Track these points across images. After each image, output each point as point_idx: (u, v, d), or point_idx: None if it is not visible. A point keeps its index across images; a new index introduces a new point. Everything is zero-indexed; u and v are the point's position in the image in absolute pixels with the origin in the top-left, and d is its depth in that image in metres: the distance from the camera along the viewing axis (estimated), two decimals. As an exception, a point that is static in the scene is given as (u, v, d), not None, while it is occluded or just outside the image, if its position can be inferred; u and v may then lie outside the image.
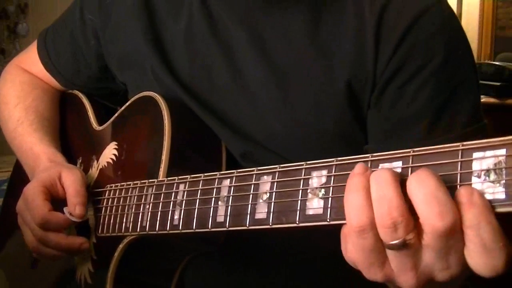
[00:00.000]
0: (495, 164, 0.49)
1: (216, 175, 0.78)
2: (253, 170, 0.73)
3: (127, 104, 1.05)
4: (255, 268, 1.02)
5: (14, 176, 1.28)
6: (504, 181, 0.48)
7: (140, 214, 0.89)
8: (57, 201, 0.99)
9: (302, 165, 0.66)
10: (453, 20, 0.89)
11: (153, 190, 0.89)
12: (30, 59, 1.24)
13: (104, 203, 0.99)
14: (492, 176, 0.49)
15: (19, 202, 1.01)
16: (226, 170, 0.87)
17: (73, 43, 1.15)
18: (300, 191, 0.66)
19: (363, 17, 0.87)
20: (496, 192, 0.49)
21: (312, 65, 0.89)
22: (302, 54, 0.90)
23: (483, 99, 2.54)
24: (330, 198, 0.62)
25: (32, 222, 0.97)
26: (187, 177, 0.83)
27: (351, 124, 0.90)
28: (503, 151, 0.49)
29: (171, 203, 0.84)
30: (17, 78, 1.24)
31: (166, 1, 1.03)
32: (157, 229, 0.85)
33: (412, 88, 0.85)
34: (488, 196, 0.49)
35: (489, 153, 0.50)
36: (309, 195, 0.65)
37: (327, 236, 0.91)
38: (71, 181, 0.98)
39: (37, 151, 1.09)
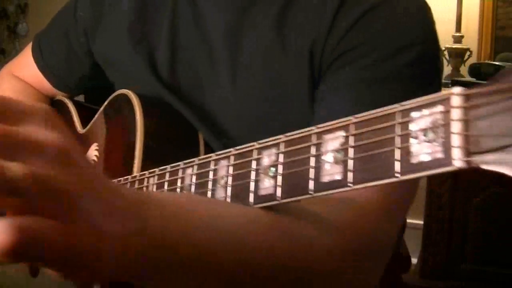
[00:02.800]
0: (432, 122, 0.43)
1: (179, 165, 0.73)
2: (211, 156, 0.69)
3: (105, 103, 1.01)
4: None
5: None
6: (441, 140, 0.43)
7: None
8: None
9: (254, 145, 0.62)
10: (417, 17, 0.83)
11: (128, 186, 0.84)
12: (21, 64, 1.21)
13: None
14: (430, 135, 0.43)
15: None
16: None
17: (65, 42, 1.11)
18: (253, 172, 0.61)
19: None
20: (434, 151, 0.43)
21: (277, 59, 0.85)
22: (268, 49, 0.86)
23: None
24: (279, 176, 0.57)
25: None
26: (155, 171, 0.78)
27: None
28: (440, 108, 0.43)
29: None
30: (9, 87, 1.20)
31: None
32: None
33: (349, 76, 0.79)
34: (427, 157, 0.44)
35: (426, 111, 0.44)
36: (261, 175, 0.60)
37: None
38: None
39: None
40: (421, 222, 1.89)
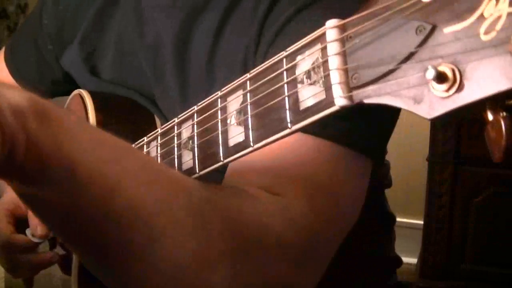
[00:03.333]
0: (313, 62, 0.40)
1: (143, 140, 0.69)
2: (143, 140, 0.66)
3: (65, 105, 0.99)
4: None
5: None
6: (322, 79, 0.39)
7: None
8: (24, 222, 0.92)
9: (174, 121, 0.59)
10: None
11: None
12: None
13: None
14: (313, 77, 0.40)
15: None
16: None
17: (34, 48, 1.08)
18: (176, 147, 0.58)
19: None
20: (317, 93, 0.39)
21: (217, 69, 0.79)
22: (208, 60, 0.80)
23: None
24: (196, 148, 0.54)
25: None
26: None
27: None
28: (318, 45, 0.39)
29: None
30: None
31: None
32: None
33: None
34: (311, 101, 0.40)
35: (307, 52, 0.40)
36: (182, 150, 0.57)
37: None
38: None
39: None
40: (421, 222, 1.83)
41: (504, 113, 0.32)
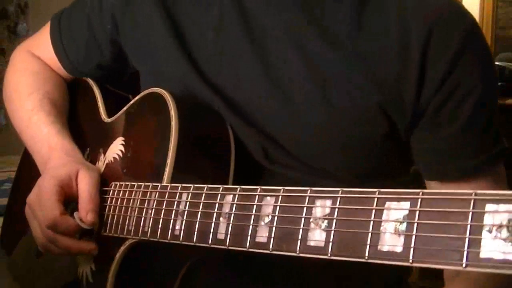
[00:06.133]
0: (509, 220, 0.44)
1: (219, 189, 0.73)
2: (256, 189, 0.68)
3: (137, 98, 0.98)
4: (260, 276, 0.95)
5: (21, 172, 1.25)
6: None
7: (142, 218, 0.84)
8: (70, 199, 0.93)
9: (306, 191, 0.61)
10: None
11: (156, 196, 0.83)
12: (41, 44, 1.15)
13: (109, 202, 0.93)
14: (505, 233, 0.44)
15: (31, 193, 0.95)
16: (241, 172, 0.85)
17: (88, 27, 1.07)
18: (303, 219, 0.61)
19: (408, 31, 0.82)
20: (507, 252, 0.44)
21: (352, 71, 0.84)
22: (343, 58, 0.84)
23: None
24: (332, 231, 0.57)
25: (42, 221, 0.91)
26: (191, 187, 0.77)
27: (380, 142, 0.87)
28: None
29: (173, 212, 0.79)
30: (28, 67, 1.15)
31: None
32: (158, 236, 0.80)
33: (465, 109, 0.84)
34: (499, 256, 0.44)
35: (502, 207, 0.45)
36: (312, 225, 0.60)
37: None
38: (85, 183, 0.92)
39: (54, 142, 1.02)
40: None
41: None
